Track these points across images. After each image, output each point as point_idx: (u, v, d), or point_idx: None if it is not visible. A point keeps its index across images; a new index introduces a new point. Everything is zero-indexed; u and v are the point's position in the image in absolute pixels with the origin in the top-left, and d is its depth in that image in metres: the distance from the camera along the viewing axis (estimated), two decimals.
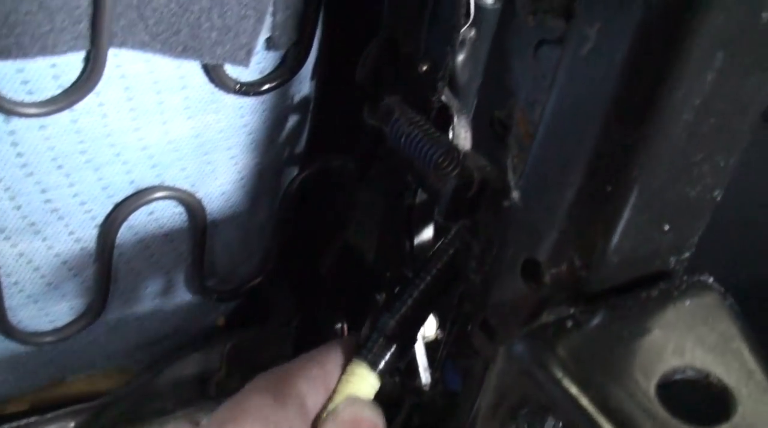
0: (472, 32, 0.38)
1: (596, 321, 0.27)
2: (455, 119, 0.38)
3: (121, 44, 0.32)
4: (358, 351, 0.36)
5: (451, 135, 0.39)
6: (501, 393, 0.27)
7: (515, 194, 0.30)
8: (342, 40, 0.41)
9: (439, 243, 0.39)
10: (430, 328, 0.49)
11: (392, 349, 0.36)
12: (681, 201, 0.28)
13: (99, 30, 0.30)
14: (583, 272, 0.28)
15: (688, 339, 0.28)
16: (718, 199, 0.30)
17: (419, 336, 0.48)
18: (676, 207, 0.28)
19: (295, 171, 0.44)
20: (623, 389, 0.26)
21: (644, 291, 0.29)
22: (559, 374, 0.26)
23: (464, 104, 0.40)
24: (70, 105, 0.32)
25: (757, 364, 0.28)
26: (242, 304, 0.49)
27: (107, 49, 0.31)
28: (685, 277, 0.30)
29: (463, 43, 0.39)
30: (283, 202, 0.44)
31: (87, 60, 0.32)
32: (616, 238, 0.28)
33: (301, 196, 0.47)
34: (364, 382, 0.35)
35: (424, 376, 0.47)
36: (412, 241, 0.44)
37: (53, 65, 0.31)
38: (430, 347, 0.47)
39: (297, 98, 0.41)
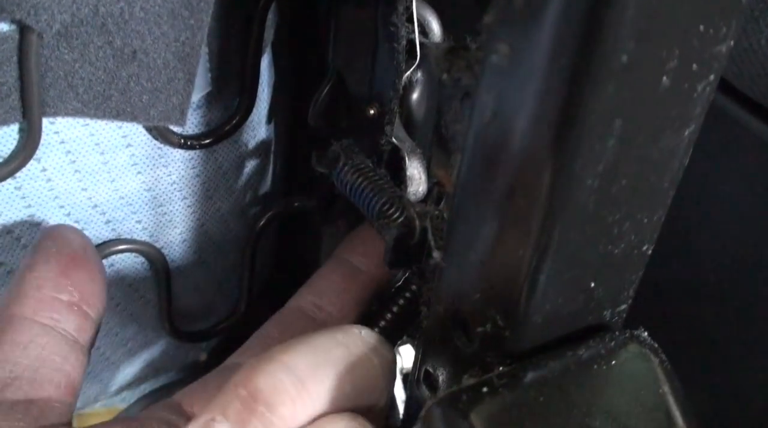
0: (419, 74, 0.37)
1: (516, 386, 0.27)
2: (407, 162, 0.38)
3: (54, 113, 0.32)
4: None
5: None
6: None
7: (437, 253, 0.29)
8: (294, 83, 0.41)
9: (393, 288, 0.40)
10: (408, 359, 0.49)
11: None
12: (604, 259, 0.28)
13: (29, 102, 0.31)
14: (507, 332, 0.28)
15: (614, 401, 0.27)
16: (649, 252, 0.29)
17: (397, 370, 0.48)
18: (600, 265, 0.28)
19: (260, 212, 0.44)
20: None
21: (571, 351, 0.28)
22: None
23: (421, 143, 0.40)
24: (10, 174, 0.33)
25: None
26: (224, 339, 0.50)
27: (41, 119, 0.32)
28: (617, 333, 0.29)
29: (413, 82, 0.38)
30: (250, 243, 0.44)
31: (22, 130, 0.32)
32: (536, 299, 0.27)
33: (272, 234, 0.47)
34: None
35: (402, 408, 0.47)
36: None
37: None
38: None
39: (252, 144, 0.41)
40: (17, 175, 0.34)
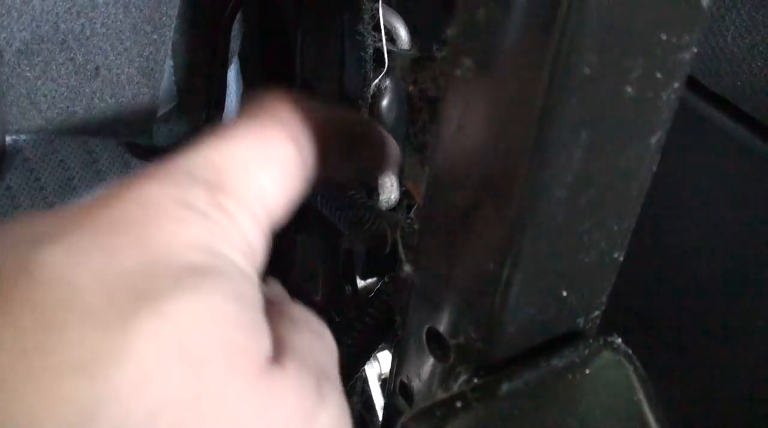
0: (387, 81, 0.37)
1: (489, 399, 0.27)
2: None
3: (18, 131, 0.32)
4: None
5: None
6: None
7: (407, 267, 0.29)
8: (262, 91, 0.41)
9: (373, 294, 0.39)
10: (386, 365, 0.48)
11: None
12: (576, 268, 0.28)
13: None
14: (480, 344, 0.28)
15: (587, 413, 0.27)
16: (620, 259, 0.29)
17: (374, 375, 0.48)
18: (572, 274, 0.28)
19: None
20: None
21: (545, 360, 0.28)
22: None
23: None
24: None
25: None
26: None
27: (4, 137, 0.31)
28: (590, 340, 0.29)
29: (382, 89, 0.38)
30: None
31: None
32: (508, 310, 0.27)
33: None
34: None
35: (381, 415, 0.47)
36: (354, 285, 0.44)
37: None
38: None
39: None
40: None
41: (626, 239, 0.28)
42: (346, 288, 0.43)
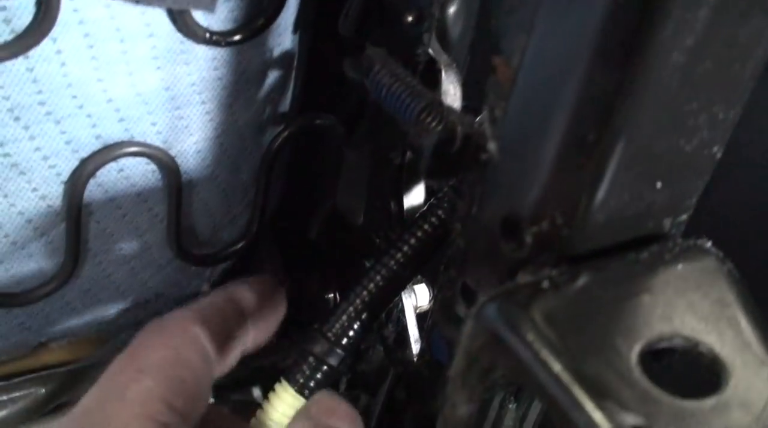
0: None
1: (576, 283, 0.25)
2: (443, 74, 0.36)
3: None
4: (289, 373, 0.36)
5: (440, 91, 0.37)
6: (470, 360, 0.25)
7: (492, 145, 0.27)
8: None
9: (424, 209, 0.37)
10: (422, 298, 0.47)
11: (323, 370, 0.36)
12: (675, 156, 0.26)
13: None
14: (566, 231, 0.26)
15: (678, 305, 0.26)
16: (718, 155, 0.27)
17: (410, 306, 0.46)
18: (670, 162, 0.26)
19: (278, 129, 0.42)
20: (601, 356, 0.24)
21: (633, 253, 0.26)
22: (532, 338, 0.23)
23: (456, 59, 0.38)
24: (24, 50, 0.30)
25: (754, 334, 0.26)
26: (228, 270, 0.48)
27: None
28: (679, 240, 0.28)
29: None
30: (266, 161, 0.41)
31: (39, 3, 0.30)
32: (601, 194, 0.25)
33: (286, 155, 0.45)
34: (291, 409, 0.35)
35: (415, 347, 0.45)
36: (401, 204, 0.42)
37: (3, 8, 0.29)
38: (423, 318, 0.44)
39: (277, 52, 0.38)
40: (30, 54, 0.31)
41: (727, 133, 0.26)
42: (391, 205, 0.41)
